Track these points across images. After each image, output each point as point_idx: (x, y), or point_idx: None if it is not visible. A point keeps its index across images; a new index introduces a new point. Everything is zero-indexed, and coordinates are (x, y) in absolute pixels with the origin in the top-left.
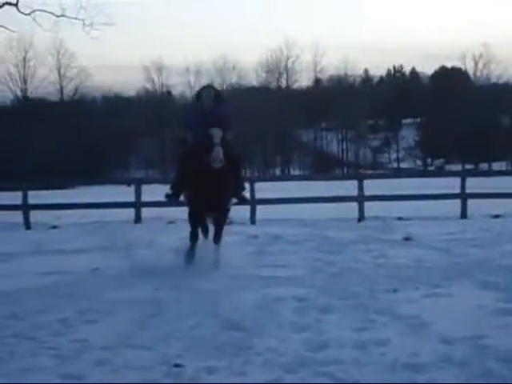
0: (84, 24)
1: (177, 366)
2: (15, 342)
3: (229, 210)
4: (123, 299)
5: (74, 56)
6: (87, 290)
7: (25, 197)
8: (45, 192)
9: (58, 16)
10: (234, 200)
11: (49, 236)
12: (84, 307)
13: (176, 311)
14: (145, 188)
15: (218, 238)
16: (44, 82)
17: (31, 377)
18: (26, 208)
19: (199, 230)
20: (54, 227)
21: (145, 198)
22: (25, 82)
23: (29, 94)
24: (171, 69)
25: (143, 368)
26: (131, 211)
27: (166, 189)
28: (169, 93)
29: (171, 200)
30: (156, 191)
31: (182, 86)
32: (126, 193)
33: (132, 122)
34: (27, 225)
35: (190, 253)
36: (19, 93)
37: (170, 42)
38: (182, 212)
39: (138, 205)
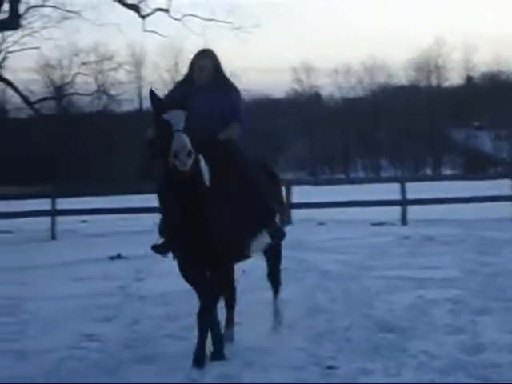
0: (232, 27)
1: (330, 367)
2: (169, 342)
3: (241, 258)
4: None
5: (223, 59)
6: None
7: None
8: None
9: (207, 20)
10: (264, 239)
11: None
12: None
13: (329, 313)
14: (294, 189)
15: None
16: None
17: (182, 377)
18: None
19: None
20: None
21: (294, 199)
22: None
23: None
24: (319, 70)
25: (295, 368)
26: None
27: (316, 191)
28: (317, 94)
29: (161, 254)
30: (305, 192)
31: (330, 87)
32: None
33: (280, 123)
34: None
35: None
36: None
37: (318, 42)
38: (334, 213)
39: (288, 206)
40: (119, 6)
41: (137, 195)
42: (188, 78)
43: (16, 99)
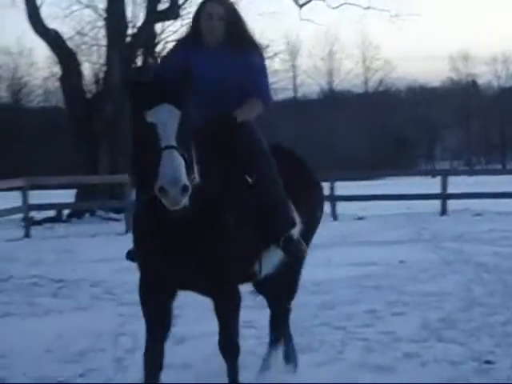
0: (390, 15)
1: (488, 362)
2: (325, 331)
3: (247, 279)
4: (431, 292)
5: (379, 48)
6: (395, 281)
7: (332, 188)
8: (350, 183)
9: (365, 8)
10: (275, 256)
11: (355, 227)
12: (392, 299)
13: (486, 306)
14: (450, 179)
15: (228, 342)
16: (349, 75)
17: (345, 365)
18: (333, 199)
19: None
20: (360, 218)
21: (450, 189)
22: (331, 74)
23: (334, 86)
24: (477, 58)
25: (453, 363)
26: (436, 203)
27: (472, 181)
28: (474, 83)
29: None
30: (462, 183)
31: (488, 76)
32: (430, 184)
33: (437, 112)
34: (334, 216)
35: None
36: (325, 86)
37: (476, 30)
38: (490, 204)
39: (443, 196)
40: None
41: None
42: (193, 35)
43: None
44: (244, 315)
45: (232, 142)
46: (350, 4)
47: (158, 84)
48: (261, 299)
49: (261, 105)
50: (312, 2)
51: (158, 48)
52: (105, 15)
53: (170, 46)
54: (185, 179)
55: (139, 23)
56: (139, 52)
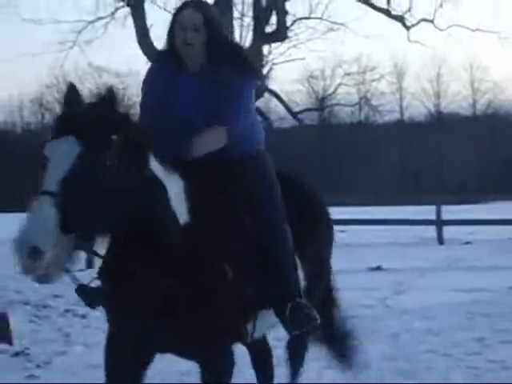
0: (498, 37)
1: None
2: (431, 357)
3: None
4: None
5: (487, 70)
6: (504, 309)
7: (438, 212)
8: (457, 207)
9: (473, 30)
10: (269, 320)
11: (462, 252)
12: (501, 327)
13: None
14: None
15: None
16: (457, 97)
17: None
18: (439, 223)
19: None
20: (467, 243)
21: None
22: (438, 97)
23: (442, 108)
24: None
25: None
26: None
27: None
28: None
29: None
30: None
31: None
32: None
33: None
34: (440, 240)
35: None
36: (432, 108)
37: None
38: None
39: None
40: (384, 17)
41: (397, 206)
42: (168, 52)
43: (280, 109)
44: None
45: (232, 175)
46: (458, 26)
47: (73, 112)
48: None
49: (224, 133)
50: (420, 24)
51: (265, 69)
52: None
53: (277, 68)
54: (39, 240)
55: (247, 44)
56: None
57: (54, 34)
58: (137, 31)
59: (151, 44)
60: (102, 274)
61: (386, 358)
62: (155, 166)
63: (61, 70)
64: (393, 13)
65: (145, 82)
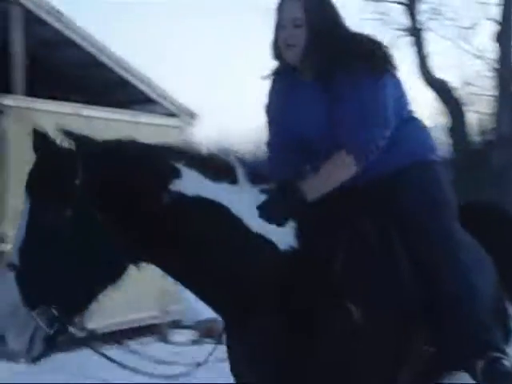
0: None
1: None
2: None
3: None
4: None
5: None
6: None
7: None
8: None
9: None
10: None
11: None
12: None
13: None
14: None
15: None
16: None
17: None
18: None
19: None
20: None
21: None
22: None
23: None
24: None
25: None
26: None
27: None
28: None
29: None
30: None
31: None
32: None
33: None
34: None
35: None
36: None
37: None
38: None
39: None
40: None
41: None
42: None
43: None
44: None
45: (381, 196)
46: None
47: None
48: None
49: (351, 162)
50: None
51: None
52: (494, 65)
53: None
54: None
55: None
56: None
57: None
58: (417, 59)
59: (430, 72)
60: None
61: None
62: (197, 183)
63: None
64: None
65: (265, 108)
